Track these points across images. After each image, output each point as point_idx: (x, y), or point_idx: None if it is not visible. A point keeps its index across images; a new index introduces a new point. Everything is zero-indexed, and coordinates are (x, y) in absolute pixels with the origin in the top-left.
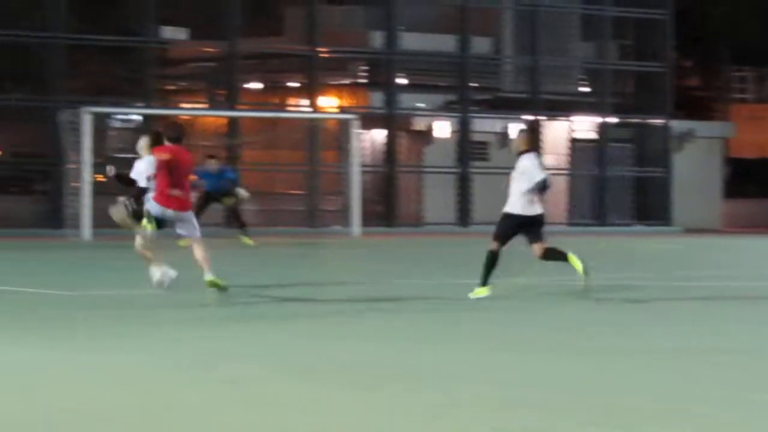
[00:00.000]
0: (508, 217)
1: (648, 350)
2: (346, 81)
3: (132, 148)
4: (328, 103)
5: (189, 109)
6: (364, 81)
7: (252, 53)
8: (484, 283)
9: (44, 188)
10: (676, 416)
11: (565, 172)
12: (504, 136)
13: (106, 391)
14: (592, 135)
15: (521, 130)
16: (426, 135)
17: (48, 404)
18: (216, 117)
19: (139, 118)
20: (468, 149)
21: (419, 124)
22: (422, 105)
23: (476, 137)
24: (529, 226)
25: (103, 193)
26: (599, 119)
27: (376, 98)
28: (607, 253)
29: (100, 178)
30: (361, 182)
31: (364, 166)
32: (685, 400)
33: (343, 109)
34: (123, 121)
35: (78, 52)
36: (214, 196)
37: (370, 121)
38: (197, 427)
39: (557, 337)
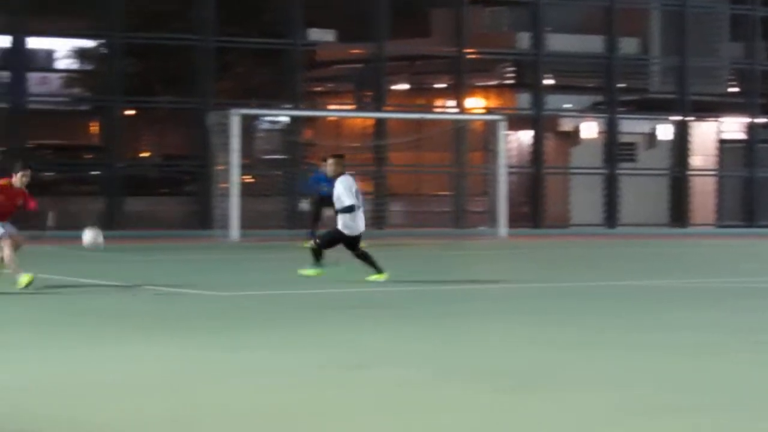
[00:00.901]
0: (337, 232)
1: None
2: (493, 82)
3: (279, 150)
4: (475, 104)
5: (336, 111)
6: (511, 82)
7: (399, 55)
8: (316, 263)
9: (193, 190)
10: None
11: (714, 173)
12: (652, 137)
13: (260, 391)
14: (741, 136)
15: (332, 156)
16: (573, 136)
17: (203, 402)
18: (363, 119)
19: (287, 119)
20: (615, 150)
21: (566, 125)
22: (569, 106)
23: (623, 138)
24: (351, 242)
25: (251, 194)
26: (748, 120)
27: (523, 99)
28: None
29: (248, 179)
30: (507, 183)
31: (510, 167)
32: None
33: (489, 111)
34: (271, 123)
35: (226, 55)
36: (329, 202)
37: (516, 122)
38: (348, 430)
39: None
